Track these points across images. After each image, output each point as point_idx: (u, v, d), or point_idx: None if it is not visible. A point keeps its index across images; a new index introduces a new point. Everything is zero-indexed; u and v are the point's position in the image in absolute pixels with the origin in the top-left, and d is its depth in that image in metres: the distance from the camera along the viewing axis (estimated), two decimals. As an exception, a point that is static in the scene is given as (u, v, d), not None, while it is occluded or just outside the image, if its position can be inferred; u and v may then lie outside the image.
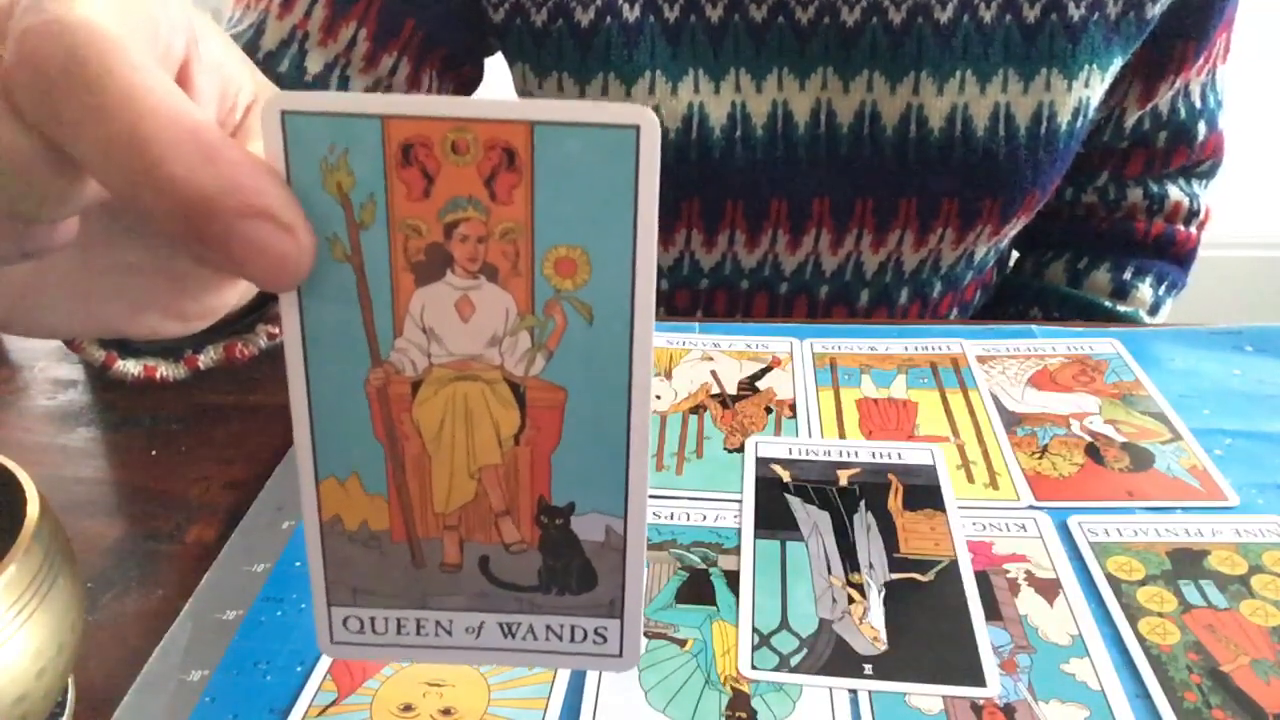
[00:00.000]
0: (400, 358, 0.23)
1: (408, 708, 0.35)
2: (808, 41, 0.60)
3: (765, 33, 0.60)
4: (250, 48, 0.59)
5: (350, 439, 0.24)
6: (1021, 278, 0.80)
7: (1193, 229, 0.75)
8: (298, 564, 0.42)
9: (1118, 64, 0.63)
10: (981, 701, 0.35)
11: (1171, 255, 0.75)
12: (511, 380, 0.23)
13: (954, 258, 0.68)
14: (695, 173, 0.63)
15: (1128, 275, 0.73)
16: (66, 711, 0.36)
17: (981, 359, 0.56)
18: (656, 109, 0.61)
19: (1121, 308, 0.74)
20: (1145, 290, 0.73)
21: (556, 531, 0.25)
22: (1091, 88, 0.62)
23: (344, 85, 0.60)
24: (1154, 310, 0.74)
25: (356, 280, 0.22)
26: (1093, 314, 0.73)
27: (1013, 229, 0.68)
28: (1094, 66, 0.61)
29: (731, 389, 0.53)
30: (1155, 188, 0.73)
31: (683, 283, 0.70)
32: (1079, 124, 0.63)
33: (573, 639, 0.26)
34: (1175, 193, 0.73)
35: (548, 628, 0.26)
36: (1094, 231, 0.75)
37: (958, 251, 0.67)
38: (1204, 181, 0.75)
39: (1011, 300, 0.79)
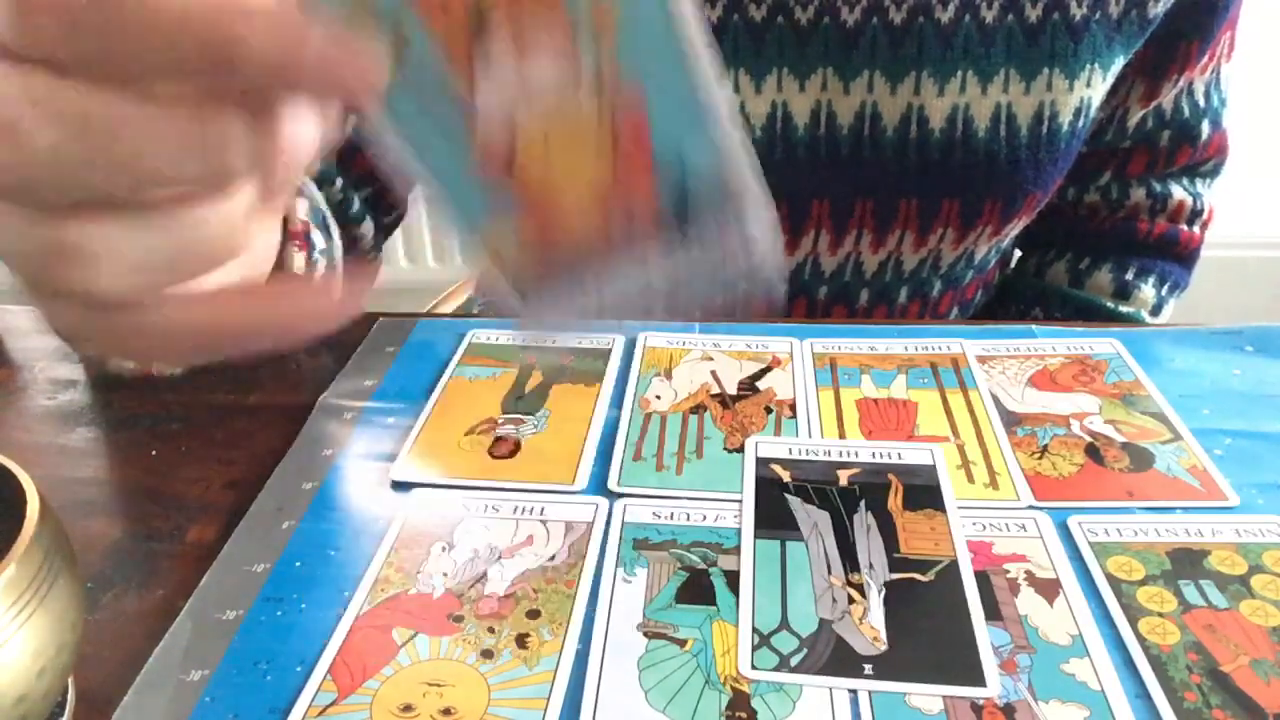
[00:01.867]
0: (488, 118, 0.23)
1: (407, 708, 0.35)
2: (807, 42, 0.60)
3: (765, 33, 0.60)
4: None
5: (478, 202, 0.25)
6: (1023, 278, 0.79)
7: (1196, 229, 0.74)
8: (298, 564, 0.42)
9: (1119, 63, 0.62)
10: (981, 701, 0.35)
11: (1174, 255, 0.74)
12: (593, 103, 0.23)
13: (954, 257, 0.68)
14: None
15: (1130, 275, 0.73)
16: (66, 711, 0.36)
17: (981, 359, 0.56)
18: None
19: (1124, 308, 0.73)
20: (1148, 291, 0.73)
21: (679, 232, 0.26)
22: (1093, 87, 0.61)
23: None
24: (1156, 311, 0.74)
25: (429, 60, 0.22)
26: (1094, 314, 0.73)
27: (1014, 229, 0.68)
28: (1096, 66, 0.61)
29: (731, 389, 0.53)
30: (1158, 187, 0.73)
31: None
32: (1080, 124, 0.63)
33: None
34: (1178, 192, 0.73)
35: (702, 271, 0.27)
36: (1096, 231, 0.75)
37: (958, 251, 0.67)
38: (1207, 181, 0.75)
39: (1013, 300, 0.79)
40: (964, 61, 0.59)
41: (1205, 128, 0.70)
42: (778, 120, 0.62)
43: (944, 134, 0.61)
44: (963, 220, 0.64)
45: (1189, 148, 0.71)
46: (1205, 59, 0.67)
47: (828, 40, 0.60)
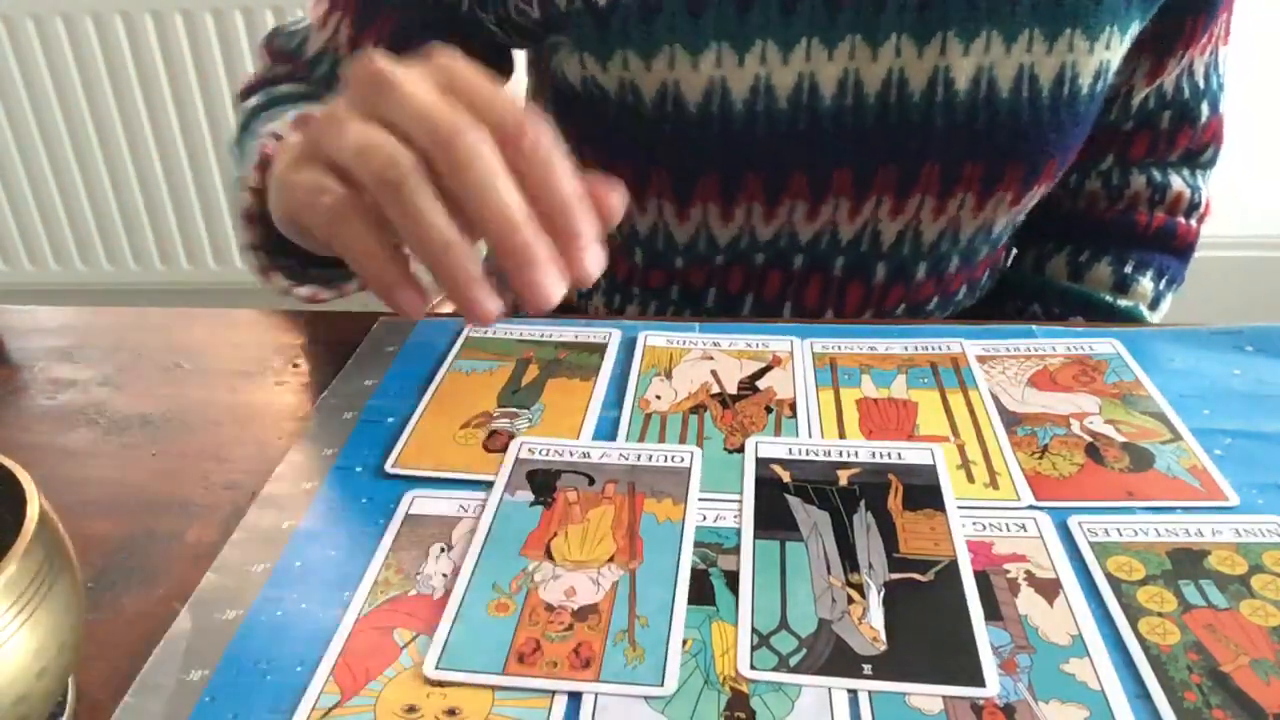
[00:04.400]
0: None
1: (411, 709, 0.35)
2: (839, 8, 0.60)
3: (797, 2, 0.60)
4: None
5: None
6: (1021, 273, 0.80)
7: (1193, 221, 0.75)
8: (298, 564, 0.42)
9: (1136, 28, 0.63)
10: (981, 701, 0.35)
11: (1172, 248, 0.75)
12: None
13: (973, 228, 0.68)
14: (715, 146, 0.62)
15: (1129, 269, 0.74)
16: (66, 711, 0.36)
17: (981, 359, 0.56)
18: (676, 84, 0.61)
19: (1122, 301, 0.74)
20: (1146, 284, 0.74)
21: None
22: (1112, 50, 0.62)
23: (334, 72, 0.64)
24: (1154, 304, 0.75)
25: None
26: (1094, 308, 0.74)
27: (1031, 199, 0.68)
28: (1115, 28, 0.61)
29: (732, 388, 0.53)
30: (1158, 176, 0.74)
31: (698, 259, 0.69)
32: (1099, 87, 0.63)
33: None
34: (1177, 183, 0.74)
35: None
36: (1096, 222, 0.76)
37: (977, 221, 0.67)
38: (1205, 172, 0.76)
39: (1012, 295, 0.79)
40: (989, 22, 0.60)
41: (1204, 109, 0.72)
42: (804, 91, 0.61)
43: (969, 95, 0.61)
44: (983, 185, 0.64)
45: (1189, 129, 0.72)
46: (1205, 38, 0.68)
47: (859, 5, 0.60)
